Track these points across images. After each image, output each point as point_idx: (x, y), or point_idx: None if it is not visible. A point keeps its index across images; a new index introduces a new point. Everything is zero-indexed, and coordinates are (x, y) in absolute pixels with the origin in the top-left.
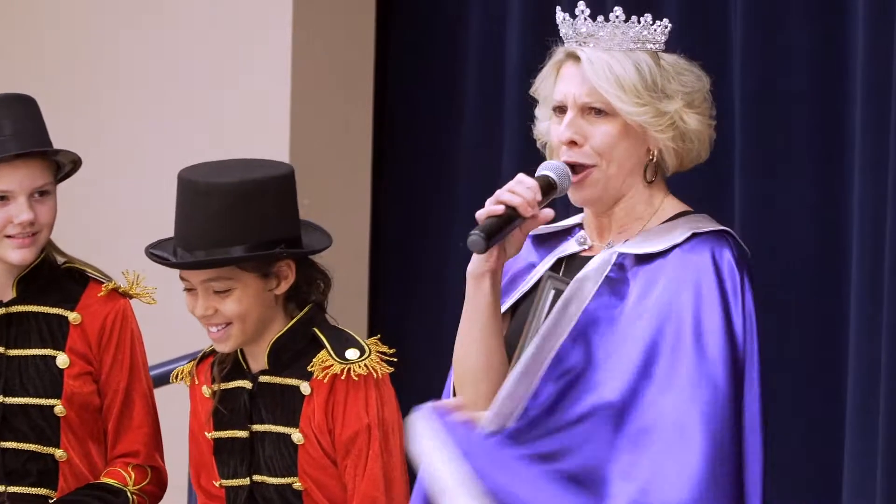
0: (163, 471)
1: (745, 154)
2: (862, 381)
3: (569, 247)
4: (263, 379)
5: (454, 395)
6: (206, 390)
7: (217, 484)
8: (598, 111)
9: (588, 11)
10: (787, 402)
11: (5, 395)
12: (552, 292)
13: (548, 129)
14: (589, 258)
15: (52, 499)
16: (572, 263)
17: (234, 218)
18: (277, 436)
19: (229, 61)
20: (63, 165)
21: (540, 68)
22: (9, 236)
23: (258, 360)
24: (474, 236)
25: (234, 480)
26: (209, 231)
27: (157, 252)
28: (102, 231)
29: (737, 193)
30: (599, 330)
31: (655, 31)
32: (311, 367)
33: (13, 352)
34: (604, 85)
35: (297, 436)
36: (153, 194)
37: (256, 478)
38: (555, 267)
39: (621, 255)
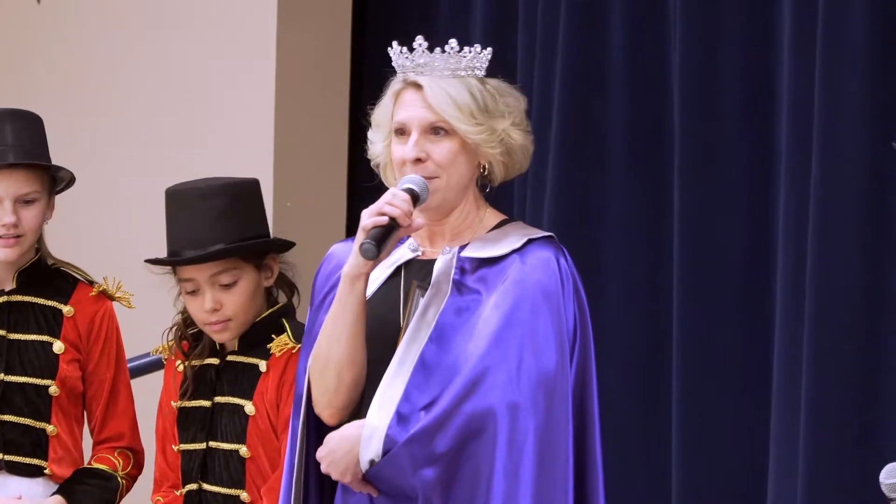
0: (142, 453)
1: (684, 166)
2: (787, 378)
3: (403, 254)
4: (231, 358)
5: (308, 385)
6: (180, 365)
7: (175, 448)
8: (438, 131)
9: (426, 45)
10: (715, 401)
11: (6, 374)
12: (422, 299)
13: (383, 150)
14: (427, 261)
15: (44, 467)
16: (411, 268)
17: (235, 214)
18: (234, 406)
19: (213, 72)
20: (60, 180)
21: (381, 98)
22: None
23: (231, 341)
24: (367, 245)
25: (192, 445)
26: (215, 228)
27: (165, 258)
28: (93, 237)
29: (676, 200)
30: (457, 329)
31: (482, 58)
32: (270, 346)
33: (14, 336)
34: (444, 108)
35: (249, 407)
36: (137, 202)
37: (212, 444)
38: (395, 274)
39: (461, 259)
